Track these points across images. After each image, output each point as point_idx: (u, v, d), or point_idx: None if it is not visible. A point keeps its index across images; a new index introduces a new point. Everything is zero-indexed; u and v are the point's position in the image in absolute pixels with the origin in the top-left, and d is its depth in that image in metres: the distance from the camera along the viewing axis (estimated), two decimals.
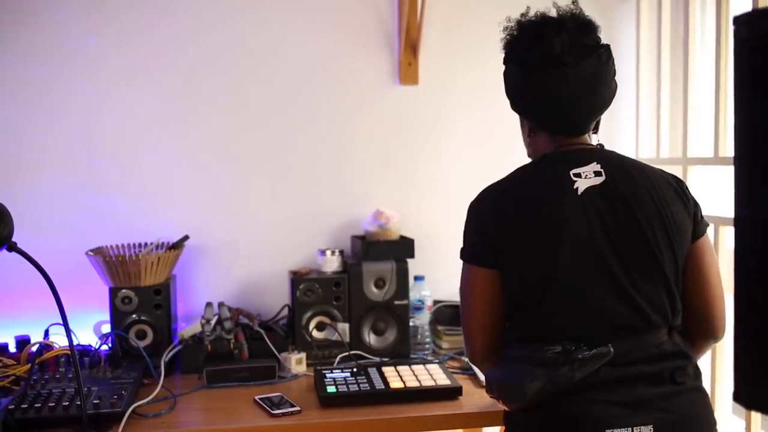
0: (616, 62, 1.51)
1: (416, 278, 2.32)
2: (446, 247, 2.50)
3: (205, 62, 2.36)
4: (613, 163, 1.45)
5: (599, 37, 1.49)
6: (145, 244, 2.27)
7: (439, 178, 2.52)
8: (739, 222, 0.91)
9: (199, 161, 2.37)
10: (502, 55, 1.54)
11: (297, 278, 2.20)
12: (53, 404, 1.67)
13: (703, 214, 1.51)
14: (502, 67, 1.54)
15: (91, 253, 2.11)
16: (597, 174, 1.42)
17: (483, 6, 2.50)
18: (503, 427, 2.16)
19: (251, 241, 2.41)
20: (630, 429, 1.32)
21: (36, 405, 1.67)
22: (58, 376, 1.87)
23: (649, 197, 1.40)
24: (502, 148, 2.54)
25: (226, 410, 1.78)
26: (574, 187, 1.40)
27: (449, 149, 2.52)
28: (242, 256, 2.40)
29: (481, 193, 1.53)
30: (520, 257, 1.41)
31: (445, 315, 2.36)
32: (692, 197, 1.49)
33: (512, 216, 1.43)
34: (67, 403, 1.68)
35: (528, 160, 1.59)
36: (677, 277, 1.42)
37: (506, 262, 1.43)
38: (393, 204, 2.43)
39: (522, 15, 1.51)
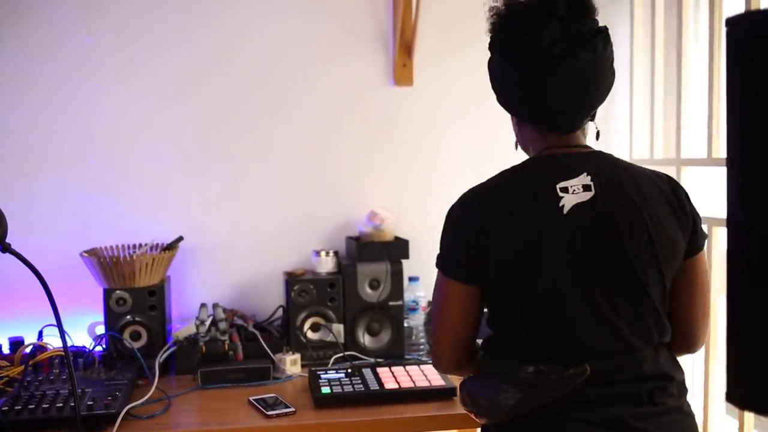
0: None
1: (411, 279, 2.33)
2: None
3: (200, 63, 2.36)
4: (605, 173, 1.35)
5: (596, 20, 1.35)
6: (140, 245, 2.26)
7: (433, 179, 2.52)
8: (731, 224, 0.91)
9: (193, 162, 2.37)
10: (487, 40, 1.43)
11: (291, 279, 2.20)
12: (47, 405, 1.67)
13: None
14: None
15: (86, 254, 2.11)
16: (586, 188, 1.32)
17: (478, 7, 2.49)
18: None
19: (246, 242, 2.41)
20: None
21: (30, 406, 1.66)
22: (51, 377, 1.87)
23: (638, 214, 1.32)
24: (496, 148, 2.54)
25: (221, 411, 1.78)
26: (560, 204, 1.31)
27: (444, 150, 2.52)
28: (237, 257, 2.40)
29: (462, 198, 1.43)
30: (501, 275, 1.35)
31: None
32: (690, 208, 1.39)
33: (494, 231, 1.34)
34: (61, 404, 1.68)
35: (521, 154, 1.52)
36: (664, 297, 1.36)
37: (486, 279, 1.36)
38: (388, 205, 2.43)
39: None
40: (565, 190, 1.32)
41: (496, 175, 1.44)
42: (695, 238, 1.40)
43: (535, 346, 1.35)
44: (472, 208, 1.39)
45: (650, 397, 1.33)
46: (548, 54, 1.29)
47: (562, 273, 1.31)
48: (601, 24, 1.37)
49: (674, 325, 1.40)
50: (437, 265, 1.44)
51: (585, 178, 1.33)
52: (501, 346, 1.41)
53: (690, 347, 1.47)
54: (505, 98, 1.44)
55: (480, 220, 1.36)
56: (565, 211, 1.31)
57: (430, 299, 2.37)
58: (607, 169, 1.36)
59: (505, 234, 1.34)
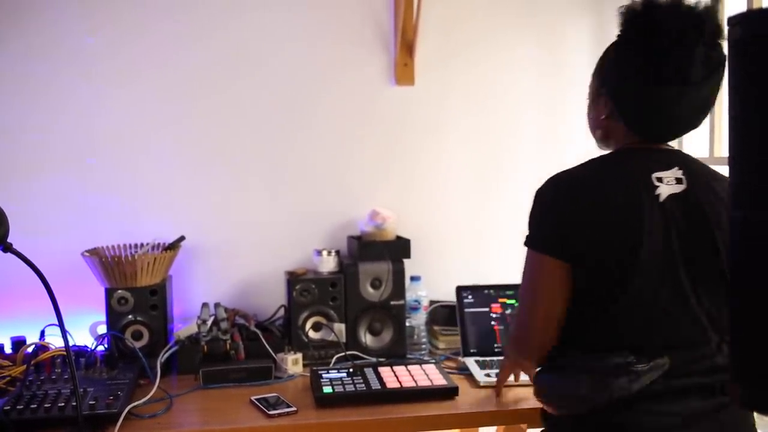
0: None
1: (412, 278, 2.33)
2: (443, 247, 2.52)
3: (202, 63, 2.36)
4: (694, 169, 1.39)
5: (723, 46, 1.32)
6: (141, 244, 2.27)
7: (435, 179, 2.52)
8: (734, 222, 0.91)
9: (195, 162, 2.37)
10: (619, 26, 1.38)
11: (293, 279, 2.20)
12: (49, 405, 1.67)
13: None
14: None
15: (87, 254, 2.11)
16: (678, 181, 1.35)
17: (479, 7, 2.51)
18: (501, 427, 2.17)
19: (247, 241, 2.41)
20: None
21: (32, 406, 1.66)
22: (53, 376, 1.87)
23: (724, 210, 1.33)
24: (498, 148, 2.55)
25: (223, 411, 1.78)
26: (656, 193, 1.33)
27: (445, 150, 2.52)
28: (238, 257, 2.40)
29: (555, 179, 1.41)
30: (596, 256, 1.33)
31: (442, 315, 2.36)
32: None
33: (592, 212, 1.33)
34: (62, 403, 1.68)
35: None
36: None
37: (579, 259, 1.35)
38: (389, 204, 2.43)
39: None
40: (660, 180, 1.35)
41: (584, 162, 1.44)
42: None
43: (617, 335, 1.35)
44: (568, 187, 1.38)
45: (722, 388, 1.35)
46: (690, 78, 1.30)
47: (656, 260, 1.32)
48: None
49: None
50: (531, 244, 1.42)
51: (677, 172, 1.37)
52: (580, 335, 1.39)
53: None
54: (621, 101, 1.42)
55: (577, 199, 1.36)
56: (660, 200, 1.33)
57: (432, 299, 2.38)
58: (693, 166, 1.40)
59: (603, 215, 1.33)
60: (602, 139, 1.51)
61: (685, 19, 1.30)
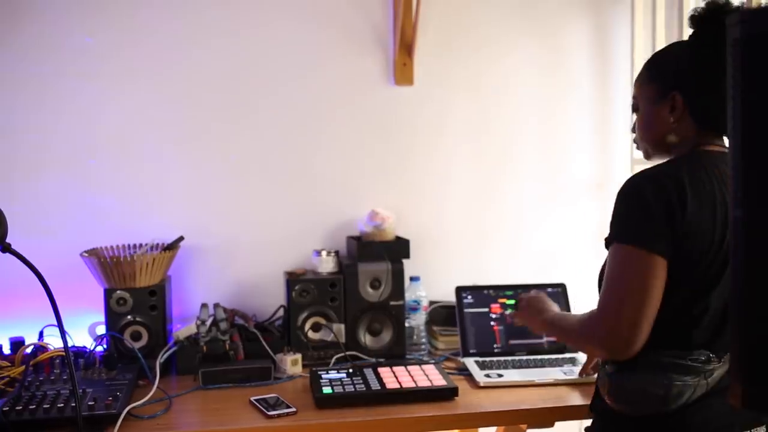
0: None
1: (412, 279, 2.32)
2: (442, 247, 2.51)
3: (201, 63, 2.36)
4: None
5: None
6: (140, 245, 2.26)
7: (434, 179, 2.52)
8: (735, 221, 0.91)
9: (193, 162, 2.37)
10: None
11: (292, 279, 2.19)
12: (48, 406, 1.66)
13: None
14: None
15: (86, 254, 2.10)
16: None
17: (478, 6, 2.51)
18: (500, 428, 2.17)
19: (246, 241, 2.41)
20: (756, 430, 1.35)
21: (31, 407, 1.66)
22: (52, 377, 1.87)
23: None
24: (497, 148, 2.55)
25: (222, 411, 1.78)
26: None
27: (444, 149, 2.52)
28: (237, 257, 2.40)
29: (643, 173, 1.40)
30: (692, 251, 1.34)
31: (441, 315, 2.36)
32: None
33: (691, 208, 1.34)
34: (61, 404, 1.68)
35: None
36: None
37: (681, 257, 1.34)
38: (388, 204, 2.43)
39: None
40: None
41: (667, 162, 1.45)
42: None
43: (695, 334, 1.37)
44: (662, 182, 1.37)
45: None
46: None
47: None
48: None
49: None
50: (624, 240, 1.37)
51: None
52: (659, 334, 1.37)
53: None
54: (700, 98, 1.44)
55: (674, 194, 1.35)
56: None
57: (431, 299, 2.38)
58: None
59: (700, 212, 1.35)
60: (669, 144, 1.49)
61: None
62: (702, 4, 1.46)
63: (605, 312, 1.37)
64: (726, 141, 1.46)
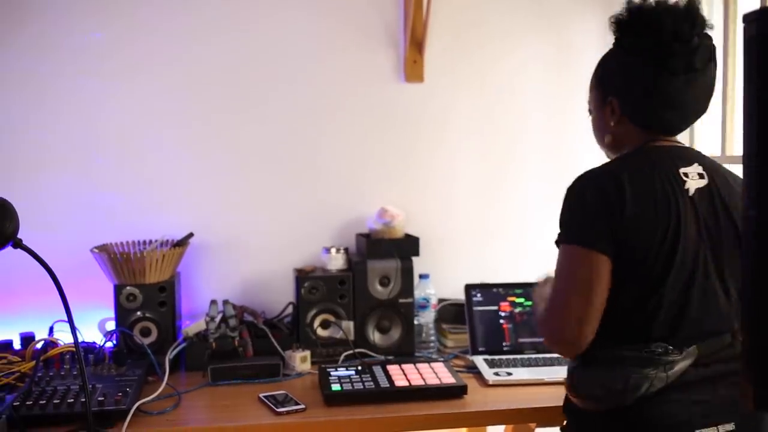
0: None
1: (421, 276, 2.32)
2: (451, 245, 2.51)
3: (209, 59, 2.36)
4: (709, 165, 1.44)
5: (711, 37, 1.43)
6: (150, 241, 2.27)
7: (444, 176, 2.51)
8: (748, 221, 0.91)
9: (203, 158, 2.37)
10: (612, 36, 1.47)
11: (302, 276, 2.19)
12: (58, 401, 1.67)
13: None
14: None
15: (96, 251, 2.11)
16: (700, 176, 1.40)
17: (488, 4, 2.50)
18: (509, 426, 2.17)
19: (256, 238, 2.41)
20: (715, 428, 1.34)
21: (41, 402, 1.67)
22: (62, 373, 1.87)
23: (741, 203, 1.35)
24: (507, 145, 2.54)
25: (231, 408, 1.78)
26: (686, 187, 1.38)
27: (454, 147, 2.52)
28: (247, 254, 2.40)
29: (585, 176, 1.43)
30: (636, 249, 1.35)
31: (450, 313, 2.36)
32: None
33: (636, 205, 1.35)
34: (71, 400, 1.68)
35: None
36: None
37: (623, 254, 1.36)
38: (398, 202, 2.43)
39: None
40: (686, 174, 1.40)
41: (611, 161, 1.49)
42: None
43: (651, 327, 1.37)
44: (601, 182, 1.39)
45: None
46: (695, 65, 1.38)
47: (689, 255, 1.36)
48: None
49: None
50: (567, 240, 1.40)
51: (698, 167, 1.42)
52: (613, 329, 1.38)
53: None
54: (629, 99, 1.46)
55: (615, 192, 1.36)
56: (690, 194, 1.38)
57: (440, 297, 2.38)
58: (708, 162, 1.45)
59: (647, 209, 1.36)
60: (614, 146, 1.53)
61: (676, 16, 1.39)
62: (624, 7, 1.45)
63: (552, 310, 1.41)
64: (678, 137, 1.50)
